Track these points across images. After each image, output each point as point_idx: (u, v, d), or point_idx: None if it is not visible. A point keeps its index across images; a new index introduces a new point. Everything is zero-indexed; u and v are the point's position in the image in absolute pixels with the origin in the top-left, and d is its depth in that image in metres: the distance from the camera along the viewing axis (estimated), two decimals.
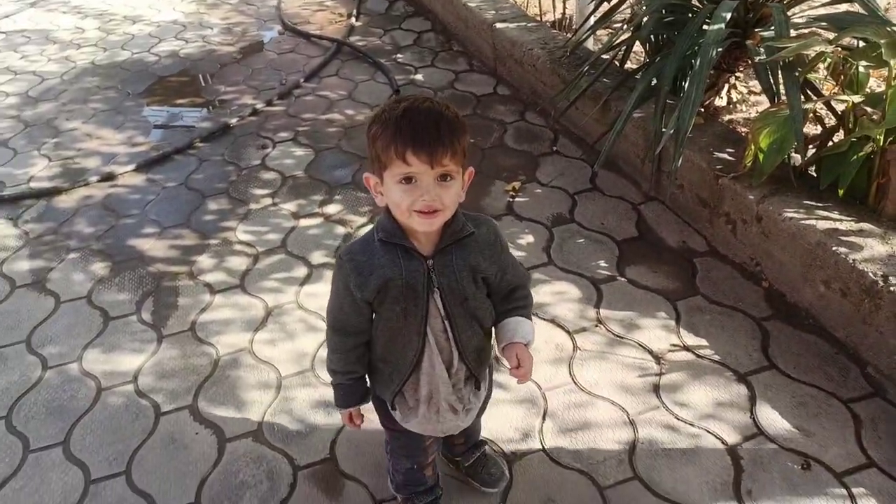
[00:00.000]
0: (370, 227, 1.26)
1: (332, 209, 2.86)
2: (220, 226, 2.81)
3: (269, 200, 2.95)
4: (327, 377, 2.07)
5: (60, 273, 2.61)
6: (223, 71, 4.23)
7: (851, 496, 1.65)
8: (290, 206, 2.90)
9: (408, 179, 1.10)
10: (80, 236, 2.82)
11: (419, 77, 3.92)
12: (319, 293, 2.41)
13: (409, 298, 1.22)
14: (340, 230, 2.73)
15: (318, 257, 2.59)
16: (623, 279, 2.37)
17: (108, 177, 3.19)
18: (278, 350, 2.20)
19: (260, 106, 3.72)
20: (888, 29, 2.05)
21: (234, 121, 3.58)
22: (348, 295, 1.24)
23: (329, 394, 2.01)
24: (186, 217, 2.88)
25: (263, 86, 3.99)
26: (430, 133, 1.07)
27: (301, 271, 2.53)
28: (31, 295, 2.52)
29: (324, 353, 2.15)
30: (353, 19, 4.73)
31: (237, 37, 4.74)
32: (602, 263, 2.44)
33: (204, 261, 2.62)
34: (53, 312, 2.42)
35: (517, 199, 2.82)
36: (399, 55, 4.21)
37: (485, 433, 1.85)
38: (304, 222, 2.80)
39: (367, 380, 1.44)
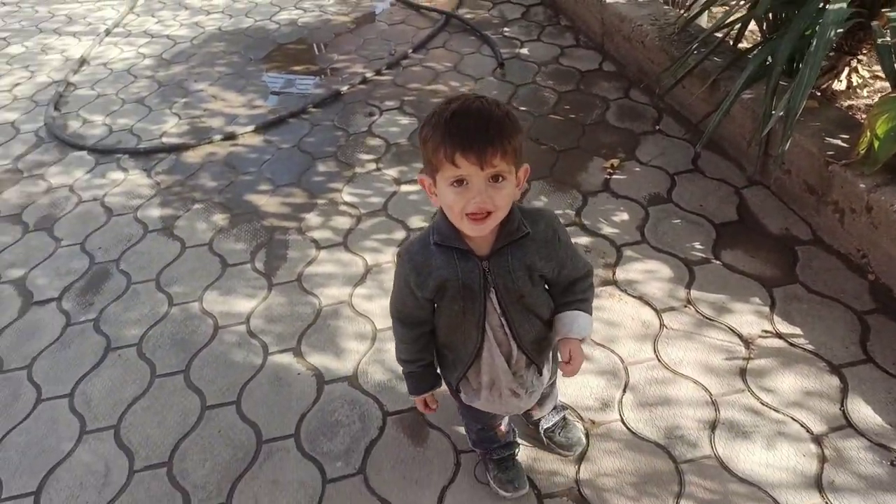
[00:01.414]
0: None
1: None
2: (328, 187, 3.00)
3: (373, 165, 3.10)
4: None
5: (186, 221, 2.88)
6: (337, 40, 4.42)
7: None
8: (392, 172, 3.04)
9: (459, 182, 1.10)
10: (203, 189, 3.08)
11: (524, 51, 3.94)
12: None
13: (466, 298, 1.25)
14: None
15: (415, 222, 2.71)
16: (718, 262, 2.34)
17: (230, 136, 3.45)
18: (375, 305, 2.35)
19: (369, 75, 3.87)
20: None
21: (344, 88, 3.75)
22: (410, 292, 1.28)
23: None
24: (297, 177, 3.09)
25: (373, 55, 4.14)
26: (479, 134, 1.06)
27: (399, 234, 2.66)
28: (161, 239, 2.80)
29: None
30: None
31: (351, 7, 4.92)
32: (697, 245, 2.42)
33: (312, 218, 2.81)
34: (179, 256, 2.69)
35: (615, 177, 2.82)
36: (506, 28, 4.24)
37: (565, 399, 1.92)
38: (404, 188, 2.93)
39: (437, 365, 1.50)
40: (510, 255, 1.24)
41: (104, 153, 3.47)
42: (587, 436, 1.84)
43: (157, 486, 1.87)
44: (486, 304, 1.27)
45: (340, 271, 2.52)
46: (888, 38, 2.19)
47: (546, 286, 1.36)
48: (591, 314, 1.37)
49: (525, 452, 1.81)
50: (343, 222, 2.77)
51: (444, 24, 4.39)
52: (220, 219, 2.88)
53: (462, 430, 1.88)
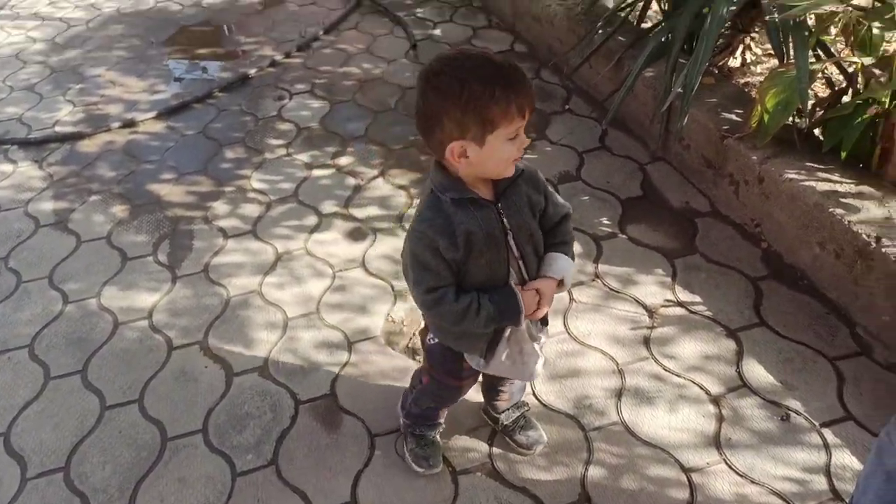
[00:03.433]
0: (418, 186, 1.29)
1: (344, 161, 2.92)
2: (236, 174, 2.90)
3: (283, 151, 3.02)
4: (330, 319, 2.19)
5: (82, 214, 2.73)
6: (244, 21, 4.27)
7: (826, 446, 1.71)
8: (303, 157, 2.97)
9: (516, 133, 1.15)
10: (101, 180, 2.92)
11: (437, 32, 3.92)
12: (327, 241, 2.49)
13: (491, 248, 1.25)
14: (351, 181, 2.79)
15: (328, 207, 2.66)
16: (624, 236, 2.41)
17: (130, 123, 3.28)
18: (286, 293, 2.29)
19: (279, 58, 3.76)
20: None
21: (253, 72, 3.63)
22: (442, 260, 1.23)
23: (331, 335, 2.13)
24: (203, 164, 2.97)
25: (283, 37, 4.02)
26: (527, 84, 1.13)
27: (311, 220, 2.60)
28: (54, 234, 2.64)
29: (329, 296, 2.26)
30: None
31: None
32: (605, 221, 2.48)
33: (219, 207, 2.71)
34: (74, 251, 2.54)
35: (525, 157, 2.83)
36: (418, 10, 4.20)
37: None
38: (316, 173, 2.87)
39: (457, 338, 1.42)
40: (514, 194, 1.27)
41: None
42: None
43: (53, 493, 1.77)
44: (508, 250, 1.28)
45: (249, 260, 2.44)
46: (776, 16, 2.29)
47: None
48: (572, 259, 1.38)
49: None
50: (252, 210, 2.68)
51: (356, 6, 4.30)
52: (119, 210, 2.73)
53: (377, 414, 1.87)
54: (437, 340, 1.47)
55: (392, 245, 2.45)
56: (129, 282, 2.39)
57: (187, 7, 4.52)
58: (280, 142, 3.08)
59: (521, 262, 1.32)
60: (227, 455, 1.82)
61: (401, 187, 2.74)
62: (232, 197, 2.76)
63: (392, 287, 2.28)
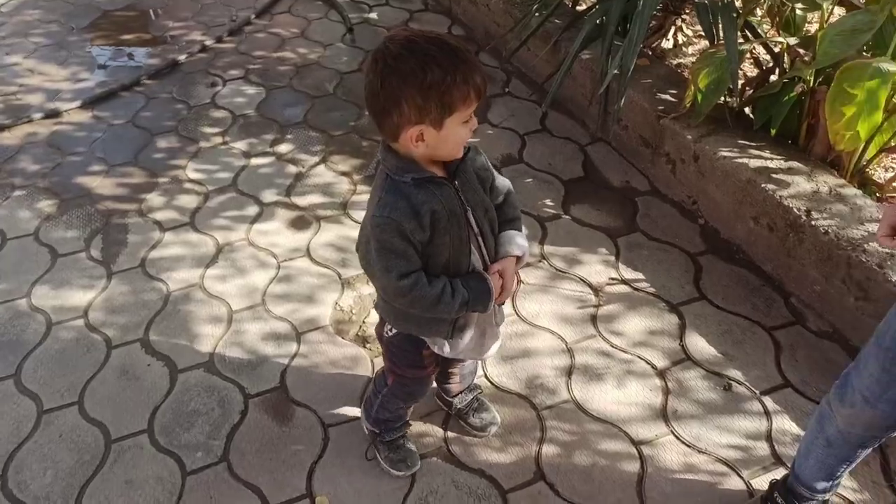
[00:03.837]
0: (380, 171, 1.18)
1: (283, 148, 2.86)
2: (170, 164, 2.79)
3: (219, 139, 2.93)
4: (277, 310, 2.14)
5: (6, 211, 2.57)
6: (171, 6, 4.10)
7: (767, 413, 1.79)
8: (241, 145, 2.88)
9: (470, 116, 1.16)
10: (24, 174, 2.76)
11: (373, 16, 3.86)
12: (270, 230, 2.44)
13: (453, 225, 1.24)
14: (292, 169, 2.73)
15: (269, 196, 2.60)
16: (568, 217, 2.44)
17: (53, 114, 3.11)
18: (229, 285, 2.23)
19: (210, 43, 3.63)
20: None
21: (182, 57, 3.49)
22: (409, 244, 1.21)
23: (278, 326, 2.09)
24: (134, 155, 2.85)
25: (213, 22, 3.88)
26: (481, 66, 1.15)
27: (252, 210, 2.54)
28: None
29: (274, 287, 2.22)
30: None
31: None
32: (548, 202, 2.51)
33: (153, 199, 2.61)
34: (0, 250, 2.41)
35: (469, 141, 2.84)
36: None
37: None
38: (255, 161, 2.79)
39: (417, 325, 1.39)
40: (466, 171, 1.28)
41: None
42: None
43: None
44: (469, 227, 1.28)
45: (189, 253, 2.36)
46: None
47: None
48: (521, 232, 1.39)
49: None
50: (189, 201, 2.60)
51: None
52: (46, 205, 2.59)
53: (328, 404, 1.85)
54: (395, 331, 1.44)
55: (337, 233, 2.42)
56: (61, 280, 2.28)
57: None
58: (215, 130, 2.99)
59: (480, 239, 1.32)
60: (176, 454, 1.77)
61: (343, 174, 2.70)
62: (167, 188, 2.66)
63: (339, 275, 2.25)
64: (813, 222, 1.93)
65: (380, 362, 1.95)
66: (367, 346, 2.02)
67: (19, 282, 2.27)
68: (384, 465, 1.71)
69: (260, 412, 1.86)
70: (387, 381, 1.59)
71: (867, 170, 2.23)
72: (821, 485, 1.44)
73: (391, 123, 1.15)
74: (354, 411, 1.84)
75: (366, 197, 2.54)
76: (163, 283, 2.25)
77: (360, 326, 2.08)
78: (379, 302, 1.42)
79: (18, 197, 2.64)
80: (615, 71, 2.31)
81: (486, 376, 1.92)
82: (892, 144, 2.13)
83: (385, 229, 1.20)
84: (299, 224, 2.47)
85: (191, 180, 2.70)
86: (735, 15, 2.26)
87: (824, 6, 2.08)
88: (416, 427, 1.80)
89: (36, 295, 2.22)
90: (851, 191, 2.02)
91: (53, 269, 2.32)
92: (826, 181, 2.05)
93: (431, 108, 1.11)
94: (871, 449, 1.37)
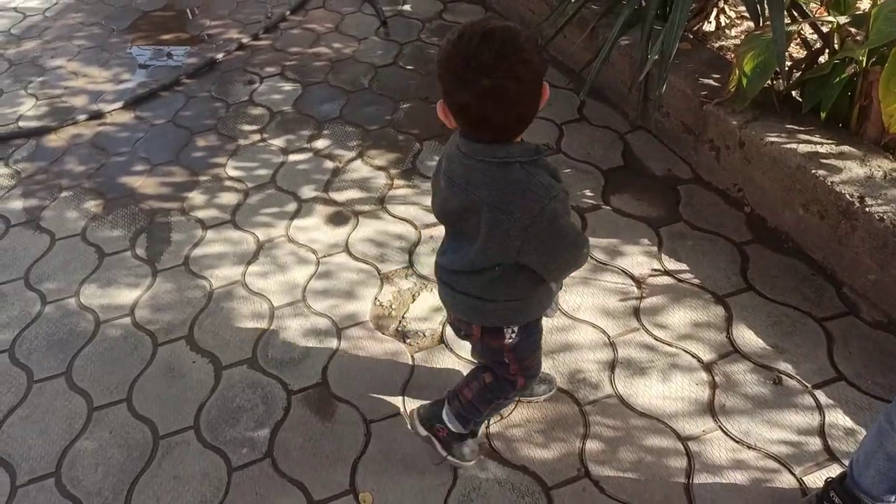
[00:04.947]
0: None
1: (320, 144, 2.87)
2: (210, 162, 2.83)
3: (257, 136, 2.95)
4: (317, 306, 2.16)
5: (54, 211, 2.65)
6: (208, 4, 4.14)
7: (819, 407, 1.73)
8: (278, 142, 2.90)
9: None
10: (71, 175, 2.84)
11: (407, 7, 3.84)
12: (309, 227, 2.45)
13: None
14: (329, 164, 2.74)
15: (307, 192, 2.61)
16: (608, 208, 2.40)
17: (97, 115, 3.18)
18: (270, 282, 2.26)
19: (246, 40, 3.66)
20: None
21: (220, 56, 3.53)
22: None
23: (319, 322, 2.12)
24: (176, 154, 2.89)
25: (249, 19, 3.91)
26: None
27: (291, 206, 2.56)
28: (26, 233, 2.56)
29: (314, 283, 2.24)
30: None
31: None
32: (588, 193, 2.46)
33: (195, 197, 2.65)
34: (49, 250, 2.47)
35: None
36: None
37: (468, 354, 1.93)
38: (293, 157, 2.81)
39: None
40: None
41: None
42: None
43: (44, 499, 1.74)
44: None
45: (231, 250, 2.40)
46: None
47: None
48: None
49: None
50: (230, 198, 2.63)
51: None
52: (92, 206, 2.66)
53: (371, 400, 1.85)
54: (516, 330, 1.42)
55: (375, 227, 2.42)
56: (108, 278, 2.33)
57: None
58: (253, 127, 3.01)
59: None
60: (222, 450, 1.80)
61: (380, 168, 2.70)
62: (208, 186, 2.70)
63: (378, 270, 2.25)
64: (867, 209, 1.85)
65: (422, 357, 1.95)
66: (408, 340, 2.02)
67: (68, 281, 2.33)
68: (458, 462, 1.68)
69: (303, 408, 1.88)
70: (515, 385, 1.56)
71: None
72: (887, 497, 1.37)
73: (527, 117, 1.16)
74: (396, 406, 1.84)
75: (402, 192, 2.55)
76: (206, 281, 2.28)
77: (400, 321, 2.08)
78: (497, 311, 1.37)
79: (66, 198, 2.71)
80: (656, 56, 2.25)
81: None
82: None
83: (564, 202, 1.20)
84: (337, 220, 2.48)
85: (231, 178, 2.73)
86: None
87: None
88: None
89: (84, 294, 2.28)
90: None
91: (101, 268, 2.37)
92: (880, 165, 1.97)
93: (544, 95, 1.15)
94: None
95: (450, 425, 1.64)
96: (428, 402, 1.73)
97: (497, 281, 1.31)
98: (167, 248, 2.43)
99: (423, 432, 1.69)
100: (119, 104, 3.23)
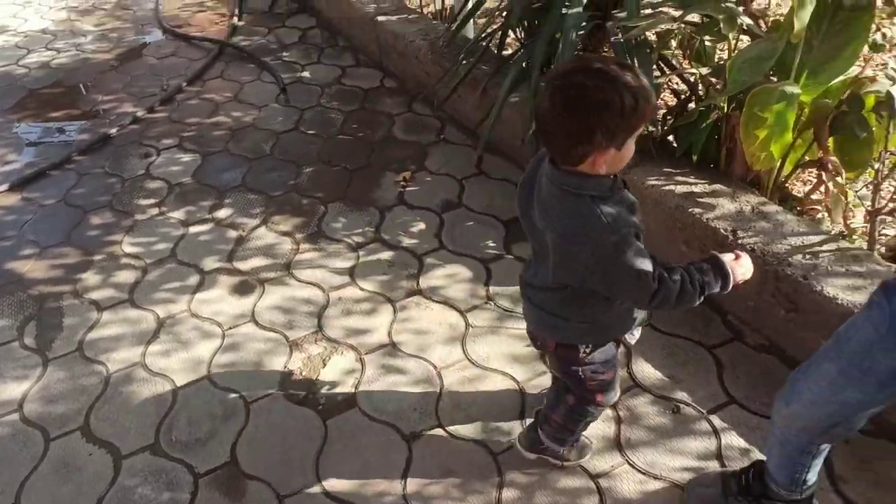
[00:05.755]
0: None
1: (222, 213, 2.83)
2: (105, 240, 2.73)
3: (155, 210, 2.89)
4: (224, 381, 2.10)
5: None
6: (100, 79, 4.07)
7: (715, 431, 1.82)
8: (178, 214, 2.85)
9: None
10: None
11: (306, 74, 3.90)
12: (213, 299, 2.40)
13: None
14: (232, 234, 2.71)
15: (210, 263, 2.56)
16: (510, 256, 2.47)
17: None
18: (172, 360, 2.18)
19: (141, 113, 3.61)
20: (723, 5, 2.23)
21: (113, 130, 3.46)
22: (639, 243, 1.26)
23: (226, 398, 2.04)
24: (67, 234, 2.78)
25: (144, 92, 3.86)
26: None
27: (193, 279, 2.50)
28: None
29: (220, 357, 2.18)
30: (235, 19, 4.63)
31: (113, 43, 4.55)
32: (490, 243, 2.54)
33: (89, 278, 2.55)
34: None
35: (408, 189, 2.87)
36: (284, 53, 4.17)
37: (384, 416, 1.92)
38: (193, 229, 2.76)
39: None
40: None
41: None
42: (409, 447, 1.84)
43: None
44: None
45: (129, 331, 2.30)
46: (620, 37, 2.45)
47: None
48: None
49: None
50: (126, 276, 2.54)
51: (219, 54, 4.21)
52: None
53: (282, 473, 1.80)
54: (591, 349, 1.47)
55: (282, 294, 2.39)
56: None
57: (34, 70, 4.25)
58: (151, 201, 2.95)
59: None
60: None
61: (285, 234, 2.69)
62: (103, 265, 2.60)
63: (286, 338, 2.22)
64: (739, 240, 2.00)
65: (335, 424, 1.92)
66: (319, 407, 1.98)
67: None
68: (578, 462, 1.76)
69: (211, 490, 1.80)
70: (594, 401, 1.60)
71: (786, 185, 2.33)
72: (785, 484, 1.49)
73: (579, 153, 1.20)
74: (310, 478, 1.80)
75: (309, 256, 2.55)
76: (102, 366, 2.18)
77: (311, 388, 2.05)
78: (569, 329, 1.44)
79: None
80: None
81: (440, 426, 1.90)
82: (807, 160, 2.23)
83: (626, 238, 1.23)
84: (243, 289, 2.44)
85: (127, 255, 2.64)
86: (649, 50, 2.36)
87: (730, 36, 2.19)
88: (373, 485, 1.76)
89: None
90: (773, 207, 2.10)
91: None
92: (748, 200, 2.13)
93: (621, 132, 1.18)
94: (816, 457, 1.41)
95: (551, 447, 1.73)
96: (525, 427, 1.79)
97: (569, 300, 1.39)
98: (59, 334, 2.31)
99: (533, 456, 1.77)
100: (4, 186, 3.09)
